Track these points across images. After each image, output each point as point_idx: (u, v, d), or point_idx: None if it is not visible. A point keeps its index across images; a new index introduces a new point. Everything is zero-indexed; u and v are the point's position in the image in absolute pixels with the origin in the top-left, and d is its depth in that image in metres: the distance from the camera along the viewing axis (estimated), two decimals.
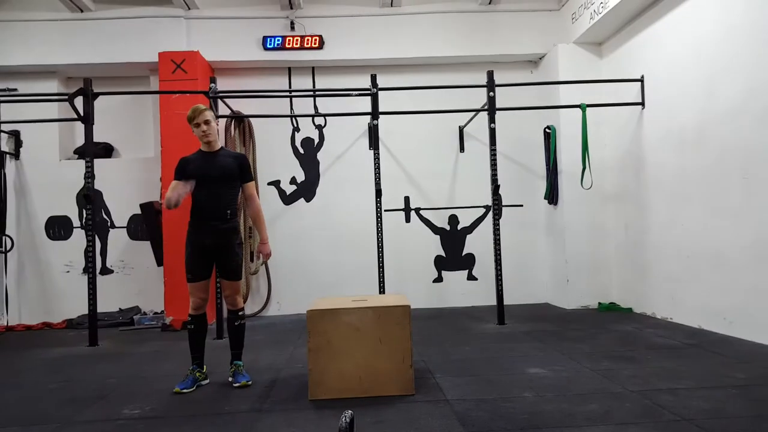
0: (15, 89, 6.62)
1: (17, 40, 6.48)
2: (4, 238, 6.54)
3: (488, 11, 6.76)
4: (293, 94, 6.86)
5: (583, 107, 5.81)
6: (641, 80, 5.65)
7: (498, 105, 5.57)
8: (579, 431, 2.54)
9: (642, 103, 5.66)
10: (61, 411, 3.19)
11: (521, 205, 6.88)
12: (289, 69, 6.95)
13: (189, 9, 6.53)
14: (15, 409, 3.28)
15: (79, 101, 5.23)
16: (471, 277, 6.93)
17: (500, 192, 5.56)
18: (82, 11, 6.49)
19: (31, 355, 4.91)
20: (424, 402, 3.06)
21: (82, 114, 5.26)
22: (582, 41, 6.42)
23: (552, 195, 6.56)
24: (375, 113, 5.57)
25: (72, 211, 6.78)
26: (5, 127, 6.57)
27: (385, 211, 5.85)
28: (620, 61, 6.09)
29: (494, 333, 5.07)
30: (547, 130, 6.60)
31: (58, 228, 6.76)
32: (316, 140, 7.00)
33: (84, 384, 3.80)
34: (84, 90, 5.29)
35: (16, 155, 6.74)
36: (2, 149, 6.65)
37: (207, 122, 3.57)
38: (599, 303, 6.24)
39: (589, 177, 5.90)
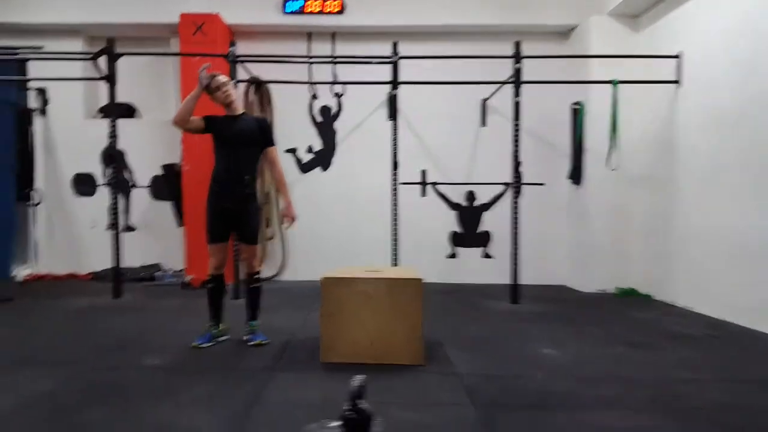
0: (41, 47, 6.68)
1: None
2: (33, 192, 6.70)
3: None
4: (312, 60, 6.77)
5: (615, 83, 5.63)
6: (678, 57, 5.43)
7: (524, 78, 5.44)
8: (589, 413, 2.54)
9: (678, 82, 5.45)
10: (86, 356, 3.34)
11: (543, 184, 6.81)
12: (309, 34, 6.87)
13: None
14: (43, 352, 3.44)
15: (102, 61, 5.28)
16: (486, 255, 6.91)
17: (521, 169, 5.48)
18: None
19: (59, 303, 5.09)
20: (433, 373, 3.10)
21: (105, 73, 5.31)
22: (617, 13, 6.15)
23: (576, 174, 6.45)
24: (395, 82, 5.51)
25: (97, 169, 6.90)
26: (33, 84, 6.67)
27: (401, 183, 5.83)
28: (656, 35, 5.85)
29: (508, 312, 5.06)
30: (575, 106, 6.44)
31: (83, 184, 6.90)
32: (334, 109, 6.97)
33: (107, 333, 3.95)
34: (107, 50, 5.33)
35: (43, 112, 6.85)
36: (30, 106, 6.76)
37: (225, 84, 3.61)
38: (617, 288, 6.17)
39: (616, 157, 5.78)
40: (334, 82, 6.77)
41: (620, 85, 5.64)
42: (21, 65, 6.73)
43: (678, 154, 5.44)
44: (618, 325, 4.53)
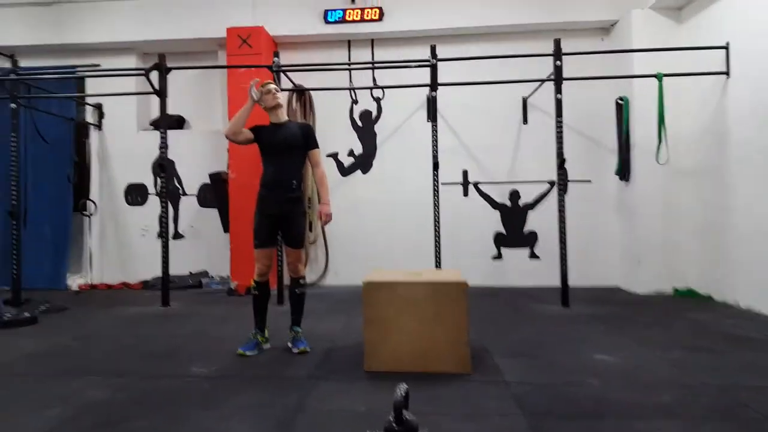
0: (98, 65, 6.99)
1: (101, 19, 6.87)
2: (88, 202, 7.00)
3: None
4: (352, 66, 6.84)
5: (659, 77, 5.42)
6: (726, 47, 5.22)
7: (565, 75, 5.30)
8: (649, 423, 2.42)
9: (727, 73, 5.23)
10: (136, 365, 3.43)
11: (589, 181, 6.61)
12: (349, 42, 6.94)
13: None
14: (97, 361, 3.55)
15: (154, 76, 5.48)
16: (533, 256, 6.75)
17: (566, 166, 5.34)
18: None
19: (112, 312, 5.27)
20: (480, 382, 3.02)
21: (157, 87, 5.51)
22: (659, 6, 5.95)
23: (623, 170, 6.22)
24: (434, 85, 5.46)
25: (148, 179, 7.14)
26: (90, 100, 7.00)
27: (442, 184, 5.77)
28: (701, 27, 5.63)
29: (557, 315, 4.90)
30: (619, 101, 6.23)
31: (135, 194, 7.16)
32: (374, 113, 6.98)
33: (156, 341, 4.06)
34: (159, 65, 5.52)
35: (99, 126, 7.16)
36: (87, 121, 7.10)
37: (276, 90, 3.77)
38: (675, 288, 5.90)
39: (665, 151, 5.55)
40: (373, 87, 6.78)
41: (666, 79, 5.44)
42: (79, 82, 7.09)
43: (730, 146, 5.19)
44: (676, 327, 4.32)
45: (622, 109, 6.17)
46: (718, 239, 5.44)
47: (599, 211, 6.62)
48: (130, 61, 7.07)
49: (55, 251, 6.96)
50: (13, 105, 5.74)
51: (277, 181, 3.67)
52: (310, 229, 6.69)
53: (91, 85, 6.99)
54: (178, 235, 7.08)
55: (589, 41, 6.58)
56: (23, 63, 6.30)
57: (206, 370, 3.30)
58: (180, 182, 7.12)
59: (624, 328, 4.29)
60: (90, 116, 7.15)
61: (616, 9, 6.33)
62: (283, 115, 3.81)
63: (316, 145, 3.83)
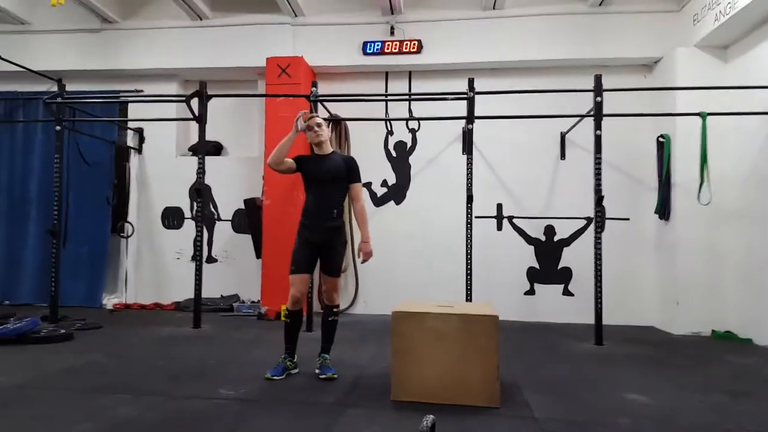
0: (141, 90, 7.27)
1: (145, 46, 7.13)
2: (126, 224, 7.20)
3: (598, 13, 6.41)
4: (389, 98, 6.93)
5: (703, 115, 5.32)
6: None
7: (606, 111, 5.26)
8: None
9: None
10: (165, 385, 3.46)
11: (627, 219, 6.48)
12: (386, 73, 7.03)
13: (296, 16, 6.83)
14: (128, 379, 3.59)
15: (194, 102, 5.65)
16: (567, 292, 6.60)
17: (604, 203, 5.26)
18: (201, 19, 7.00)
19: (144, 332, 5.34)
20: (509, 416, 2.95)
21: (196, 114, 5.68)
22: (704, 44, 5.90)
23: (664, 209, 6.08)
24: (470, 117, 5.47)
25: (184, 203, 7.32)
26: (131, 124, 7.26)
27: (475, 217, 5.74)
28: (747, 66, 5.54)
29: (590, 353, 4.77)
30: (661, 139, 6.14)
31: (172, 218, 7.34)
32: (409, 144, 7.03)
33: (187, 362, 4.09)
34: (199, 92, 5.70)
35: (139, 150, 7.40)
36: (128, 144, 7.35)
37: (319, 125, 3.81)
38: (713, 330, 5.68)
39: (708, 191, 5.41)
40: (409, 119, 6.84)
41: (709, 118, 5.34)
42: (122, 107, 7.36)
43: None
44: (714, 370, 4.15)
45: (663, 147, 6.08)
46: (760, 282, 5.24)
47: (636, 249, 6.47)
48: (172, 88, 7.31)
49: (92, 270, 7.14)
50: (57, 127, 5.98)
51: (319, 210, 3.72)
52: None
53: (133, 110, 7.25)
54: (211, 259, 7.19)
55: (631, 78, 6.52)
56: (69, 87, 6.57)
57: (234, 392, 3.30)
58: (215, 207, 7.27)
59: (659, 369, 4.14)
60: (131, 140, 7.39)
61: (660, 46, 6.28)
62: (327, 148, 3.86)
63: (358, 179, 3.86)
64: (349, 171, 3.81)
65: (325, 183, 3.74)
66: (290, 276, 3.73)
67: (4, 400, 3.09)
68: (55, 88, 6.33)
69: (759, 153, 5.32)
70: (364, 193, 6.90)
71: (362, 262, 3.79)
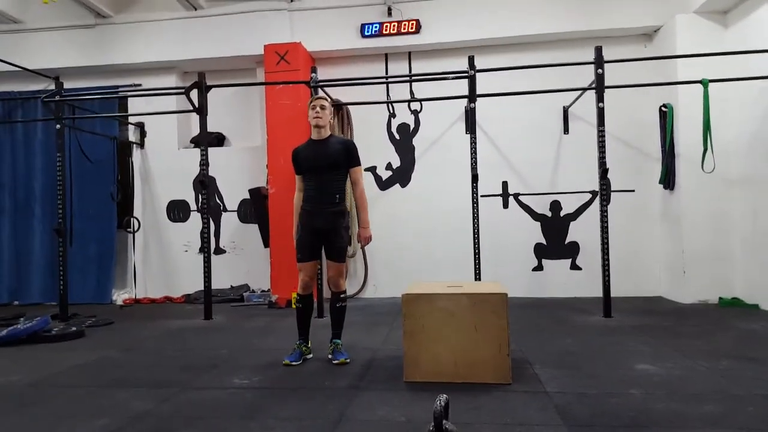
0: (140, 84, 7.25)
1: (141, 39, 7.09)
2: (132, 219, 7.23)
3: None
4: (390, 80, 6.88)
5: (704, 83, 5.26)
6: None
7: (607, 83, 5.21)
8: None
9: None
10: (179, 376, 3.49)
11: (632, 191, 6.46)
12: (386, 55, 6.98)
13: (292, 1, 6.77)
14: (142, 373, 3.64)
15: (194, 94, 5.63)
16: (574, 267, 6.61)
17: (609, 176, 5.24)
18: (195, 9, 6.94)
19: (156, 326, 5.40)
20: (521, 392, 2.98)
21: (197, 105, 5.66)
22: (704, 10, 5.81)
23: (668, 179, 6.05)
24: (472, 96, 5.43)
25: (189, 196, 7.34)
26: (132, 119, 7.26)
27: (481, 196, 5.73)
28: (748, 31, 5.47)
29: (599, 326, 4.79)
30: (663, 108, 6.09)
31: (177, 211, 7.36)
32: (412, 126, 7.00)
33: (200, 353, 4.13)
34: (198, 83, 5.67)
35: (141, 145, 7.41)
36: (130, 140, 7.35)
37: (322, 107, 3.76)
38: (720, 298, 5.70)
39: (711, 159, 5.38)
40: (411, 100, 6.80)
41: (711, 85, 5.28)
42: (122, 102, 7.35)
43: None
44: (722, 337, 4.19)
45: (666, 116, 6.04)
46: (766, 248, 5.26)
47: (642, 220, 6.46)
48: (171, 80, 7.28)
49: (100, 267, 7.20)
50: (57, 125, 5.97)
51: (320, 196, 3.71)
52: (350, 243, 6.72)
53: (133, 105, 7.24)
54: (219, 250, 7.23)
55: (631, 48, 6.45)
56: (67, 84, 6.53)
57: (248, 381, 3.34)
58: (221, 198, 7.29)
59: (668, 339, 4.17)
60: (132, 135, 7.38)
61: (659, 15, 6.21)
62: (325, 132, 3.81)
63: (358, 163, 3.83)
64: (348, 155, 3.78)
65: (324, 169, 3.71)
66: (298, 264, 3.77)
67: (21, 398, 3.13)
68: (52, 87, 6.31)
69: (762, 119, 5.28)
70: (369, 177, 6.91)
71: (361, 248, 3.78)
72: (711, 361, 3.47)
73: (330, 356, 3.75)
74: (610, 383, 3.09)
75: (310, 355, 3.84)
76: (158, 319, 5.78)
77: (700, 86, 5.30)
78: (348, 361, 3.67)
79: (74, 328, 4.97)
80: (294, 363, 3.66)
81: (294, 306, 3.85)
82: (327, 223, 3.71)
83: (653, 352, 3.78)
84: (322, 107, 3.75)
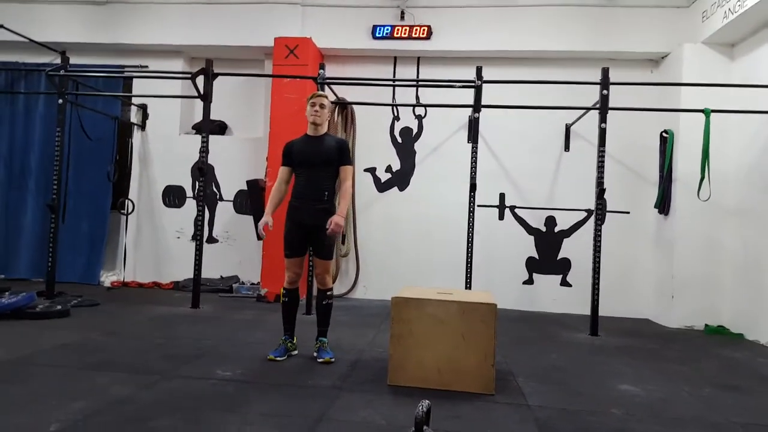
0: (146, 66, 7.21)
1: (152, 21, 7.04)
2: (127, 201, 7.19)
3: (609, 6, 6.38)
4: (397, 83, 6.89)
5: (707, 112, 5.31)
6: None
7: (612, 104, 5.26)
8: None
9: None
10: (162, 364, 3.47)
11: (628, 212, 6.50)
12: (395, 58, 7.00)
13: None
14: (124, 357, 3.61)
15: (200, 80, 5.60)
16: (565, 283, 6.63)
17: (605, 196, 5.26)
18: None
19: (142, 310, 5.36)
20: (503, 404, 2.99)
21: (202, 92, 5.63)
22: (712, 41, 5.88)
23: (664, 204, 6.10)
24: (477, 106, 5.46)
25: (186, 182, 7.31)
26: (135, 100, 7.22)
27: (478, 206, 5.74)
28: (755, 64, 5.53)
29: (585, 344, 4.82)
30: (664, 134, 6.14)
31: (173, 196, 7.33)
32: (415, 130, 7.01)
33: (184, 342, 4.11)
34: (205, 70, 5.65)
35: (142, 127, 7.36)
36: (131, 121, 7.31)
37: (322, 106, 3.75)
38: (706, 325, 5.74)
39: (708, 188, 5.42)
40: (416, 105, 6.82)
41: (713, 115, 5.33)
42: (126, 82, 7.31)
43: None
44: (706, 364, 4.23)
45: (666, 142, 6.09)
46: (756, 278, 5.30)
47: (635, 242, 6.50)
48: (178, 65, 7.24)
49: (91, 247, 7.14)
50: (60, 100, 5.92)
51: (309, 192, 3.71)
52: (343, 242, 6.72)
53: (138, 86, 7.19)
54: (212, 239, 7.20)
55: (637, 72, 6.51)
56: (73, 60, 6.43)
57: (231, 373, 3.33)
58: (218, 187, 7.26)
59: (652, 361, 4.20)
60: (134, 116, 7.33)
61: (667, 42, 6.27)
62: (321, 130, 3.81)
63: (348, 162, 3.82)
64: (341, 153, 3.78)
65: (315, 165, 3.72)
66: (285, 259, 3.77)
67: None
68: (58, 61, 6.26)
69: (761, 152, 5.33)
70: (368, 178, 6.92)
71: (329, 233, 3.68)
72: (692, 387, 3.50)
73: (315, 354, 3.74)
74: (591, 401, 3.11)
75: (296, 352, 3.83)
76: (145, 303, 5.75)
77: (702, 115, 5.35)
78: (333, 360, 3.66)
79: (59, 307, 4.91)
80: (278, 358, 3.66)
81: (281, 300, 3.84)
82: (314, 220, 3.69)
83: (636, 373, 3.80)
84: (322, 106, 3.75)
